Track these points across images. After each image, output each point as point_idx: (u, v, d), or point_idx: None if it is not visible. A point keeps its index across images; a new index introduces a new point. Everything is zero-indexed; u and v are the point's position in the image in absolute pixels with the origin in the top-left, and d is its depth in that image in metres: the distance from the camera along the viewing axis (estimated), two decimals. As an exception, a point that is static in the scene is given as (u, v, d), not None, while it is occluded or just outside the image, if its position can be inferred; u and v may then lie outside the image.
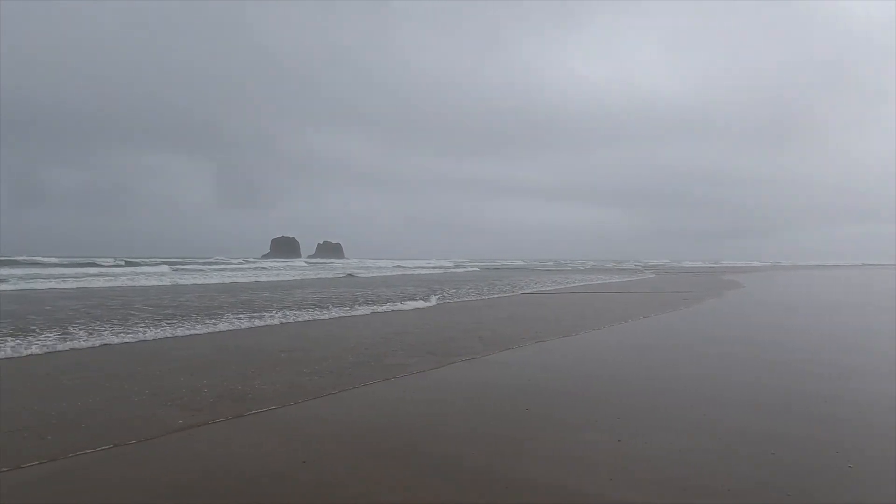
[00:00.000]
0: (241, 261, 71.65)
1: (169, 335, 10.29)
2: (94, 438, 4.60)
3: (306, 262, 70.95)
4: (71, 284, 24.58)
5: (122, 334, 10.05)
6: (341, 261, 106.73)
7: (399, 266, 63.68)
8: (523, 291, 24.53)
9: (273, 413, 5.43)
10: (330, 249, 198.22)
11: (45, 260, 49.32)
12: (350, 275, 39.74)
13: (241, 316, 13.15)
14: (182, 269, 41.37)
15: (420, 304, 17.52)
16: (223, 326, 11.44)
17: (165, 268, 42.76)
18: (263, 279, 32.17)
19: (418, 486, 3.73)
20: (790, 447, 4.52)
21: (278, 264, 62.16)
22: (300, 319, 13.02)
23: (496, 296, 21.81)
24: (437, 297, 20.12)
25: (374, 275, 41.75)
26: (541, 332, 11.22)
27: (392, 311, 15.57)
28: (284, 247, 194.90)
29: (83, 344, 9.13)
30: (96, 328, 10.77)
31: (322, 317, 13.69)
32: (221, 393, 6.15)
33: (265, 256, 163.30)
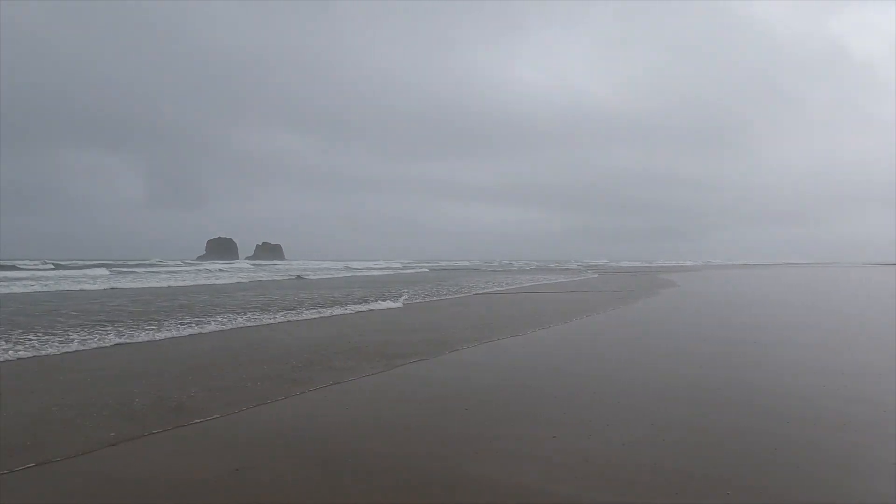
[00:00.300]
0: (178, 263, 68.57)
1: (105, 343, 9.64)
2: (13, 458, 4.27)
3: (252, 264, 68.30)
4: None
5: (52, 344, 9.35)
6: (284, 262, 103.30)
7: (348, 267, 62.94)
8: (475, 292, 24.62)
9: (211, 422, 5.21)
10: (269, 251, 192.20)
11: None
12: (299, 277, 38.79)
13: (185, 321, 12.54)
14: (120, 272, 39.22)
15: (381, 305, 17.32)
16: (164, 333, 10.82)
17: (103, 270, 40.49)
18: (207, 282, 31.00)
19: (353, 490, 3.67)
20: (732, 438, 4.67)
21: (222, 266, 59.82)
22: (251, 324, 12.50)
23: (451, 297, 21.79)
24: (403, 298, 19.90)
25: (324, 277, 40.98)
26: (492, 331, 11.26)
27: (353, 312, 15.28)
28: (221, 248, 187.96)
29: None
30: (20, 337, 9.98)
31: (270, 321, 13.15)
32: (156, 403, 5.86)
33: (200, 258, 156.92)
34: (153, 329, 11.21)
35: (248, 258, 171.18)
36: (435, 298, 20.89)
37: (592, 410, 5.61)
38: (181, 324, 12.04)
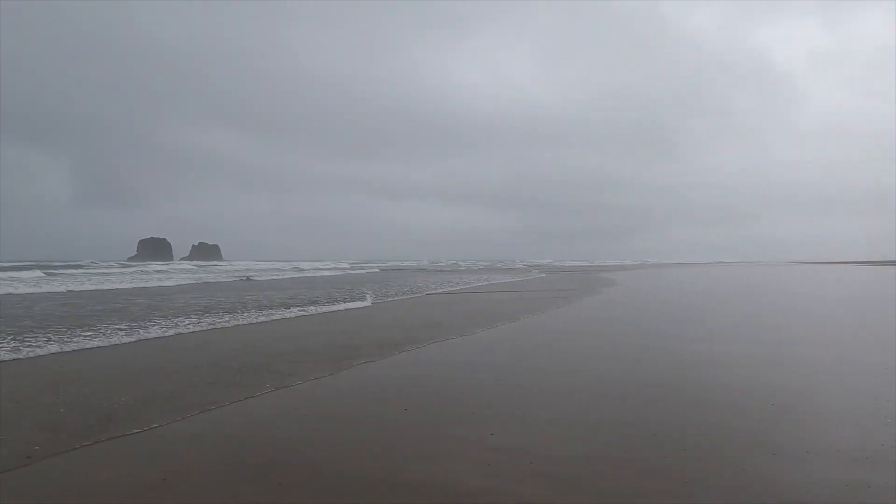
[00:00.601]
0: (112, 263, 65.28)
1: (38, 353, 8.94)
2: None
3: (194, 265, 65.61)
4: None
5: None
6: (226, 263, 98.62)
7: (296, 268, 61.56)
8: (427, 293, 24.62)
9: (145, 433, 4.99)
10: (206, 251, 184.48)
11: None
12: (248, 278, 37.64)
13: (121, 327, 11.87)
14: (55, 275, 37.11)
15: (343, 305, 17.27)
16: (102, 340, 10.12)
17: (37, 272, 38.13)
18: (148, 284, 29.44)
19: (285, 495, 3.60)
20: (665, 429, 4.85)
21: (161, 266, 57.36)
22: (198, 329, 11.95)
23: (403, 297, 21.69)
24: (361, 300, 19.73)
25: (273, 278, 40.04)
26: (443, 331, 11.26)
27: (304, 315, 14.98)
28: (153, 248, 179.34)
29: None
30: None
31: (224, 325, 12.63)
32: (85, 413, 5.59)
33: (132, 259, 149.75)
34: (89, 336, 10.53)
35: (183, 259, 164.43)
36: (391, 299, 20.74)
37: (532, 407, 5.71)
38: (119, 329, 11.41)
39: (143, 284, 28.98)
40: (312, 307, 16.92)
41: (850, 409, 5.60)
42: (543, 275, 48.67)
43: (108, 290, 25.44)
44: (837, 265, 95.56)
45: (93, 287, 26.66)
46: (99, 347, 9.50)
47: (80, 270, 46.76)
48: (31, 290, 23.77)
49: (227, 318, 13.69)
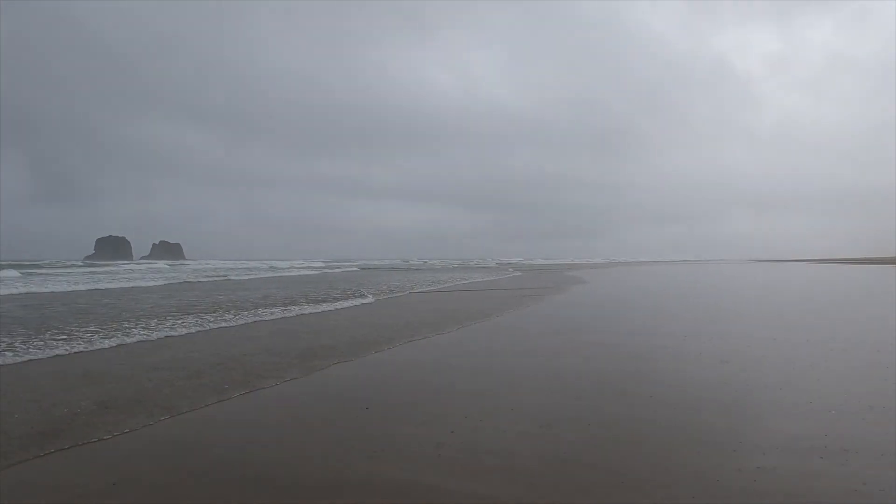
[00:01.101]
0: (75, 262, 63.75)
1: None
2: None
3: (167, 265, 64.39)
4: None
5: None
6: (195, 262, 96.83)
7: (273, 267, 60.65)
8: (412, 291, 24.78)
9: (105, 441, 4.93)
10: (167, 250, 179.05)
11: None
12: (227, 278, 36.69)
13: (93, 331, 11.72)
14: (31, 275, 36.11)
15: (348, 303, 17.72)
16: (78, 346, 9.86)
17: (12, 272, 37.22)
18: (128, 284, 28.61)
19: (235, 497, 3.60)
20: (624, 428, 4.93)
21: (135, 266, 56.32)
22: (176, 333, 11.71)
23: (389, 297, 21.69)
24: (371, 296, 20.20)
25: (252, 277, 39.42)
26: (425, 329, 11.42)
27: (318, 311, 14.97)
28: (112, 247, 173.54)
29: None
30: None
31: (198, 328, 12.37)
32: (40, 420, 5.50)
33: (89, 258, 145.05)
34: (62, 341, 10.29)
35: (143, 258, 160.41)
36: (387, 297, 20.88)
37: (497, 405, 5.76)
38: (93, 336, 11.26)
39: (127, 284, 28.25)
40: (325, 304, 17.38)
41: (799, 401, 5.68)
42: (519, 273, 49.28)
43: (92, 290, 24.82)
44: (794, 263, 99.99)
45: (69, 289, 25.56)
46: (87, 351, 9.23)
47: (47, 271, 45.77)
48: (11, 291, 23.01)
49: (246, 314, 14.19)
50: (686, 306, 17.39)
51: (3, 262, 58.81)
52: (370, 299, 19.74)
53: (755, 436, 4.66)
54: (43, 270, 44.94)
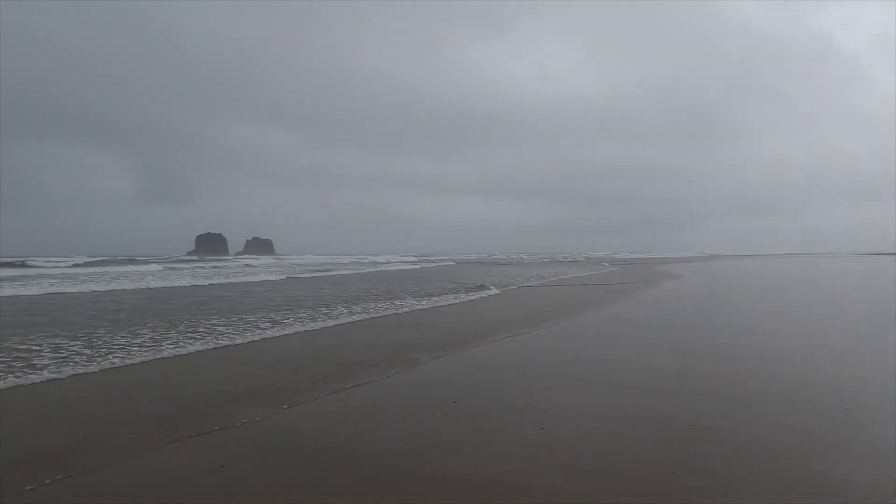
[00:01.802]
0: (179, 258, 67.45)
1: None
2: None
3: (275, 260, 68.58)
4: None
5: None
6: (297, 257, 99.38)
7: (373, 262, 60.94)
8: (522, 285, 24.96)
9: (216, 432, 5.37)
10: (260, 246, 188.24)
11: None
12: (329, 272, 38.20)
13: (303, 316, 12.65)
14: (174, 269, 39.45)
15: (474, 296, 18.84)
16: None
17: (156, 266, 41.36)
18: (270, 278, 30.00)
19: (323, 486, 3.76)
20: (713, 432, 4.69)
21: (252, 262, 59.18)
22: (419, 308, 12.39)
23: (508, 289, 22.31)
24: (494, 288, 21.29)
25: (356, 272, 40.33)
26: (535, 321, 11.52)
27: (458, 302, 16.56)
28: (210, 244, 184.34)
29: None
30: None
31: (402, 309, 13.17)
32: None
33: (190, 253, 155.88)
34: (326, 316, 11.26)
35: (238, 254, 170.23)
36: (508, 289, 21.91)
37: (584, 402, 5.67)
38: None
39: (251, 279, 29.34)
40: (463, 294, 18.85)
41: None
42: (616, 268, 47.59)
43: (244, 283, 26.65)
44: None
45: (226, 281, 27.32)
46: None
47: (169, 265, 48.89)
48: (188, 284, 25.13)
49: (398, 304, 15.41)
50: (792, 303, 16.30)
51: (122, 258, 63.92)
52: (494, 291, 20.58)
53: (866, 442, 4.34)
54: (163, 265, 47.50)
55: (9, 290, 19.84)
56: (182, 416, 5.37)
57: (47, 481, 3.88)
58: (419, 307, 15.17)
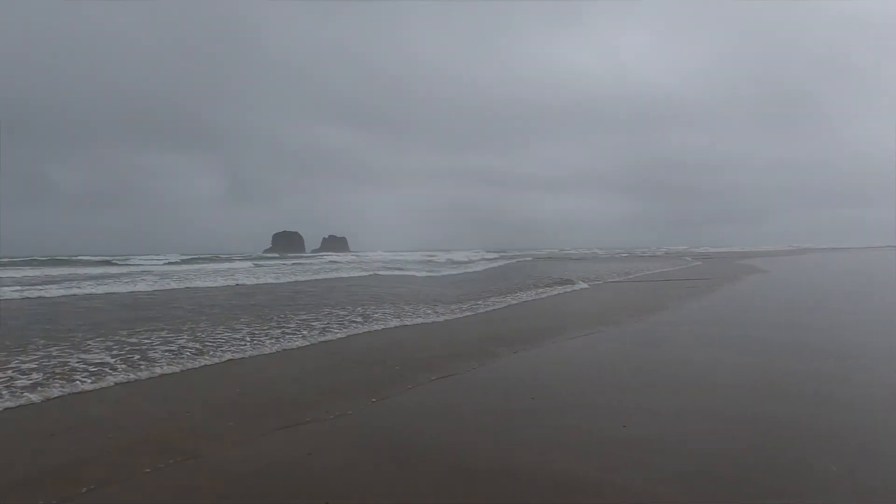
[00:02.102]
0: (249, 255, 68.13)
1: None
2: None
3: (354, 256, 69.02)
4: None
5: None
6: (375, 253, 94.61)
7: (450, 260, 59.64)
8: (605, 281, 24.52)
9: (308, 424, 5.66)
10: (335, 243, 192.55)
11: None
12: (408, 273, 37.07)
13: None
14: (260, 265, 40.60)
15: (567, 288, 19.44)
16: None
17: (247, 263, 43.34)
18: (345, 274, 30.23)
19: (402, 482, 3.87)
20: (795, 433, 4.53)
21: (337, 258, 60.09)
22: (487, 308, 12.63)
23: (595, 283, 22.37)
24: (582, 283, 21.72)
25: (445, 272, 39.53)
26: (608, 318, 11.44)
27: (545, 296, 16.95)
28: (286, 241, 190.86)
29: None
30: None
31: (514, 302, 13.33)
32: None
33: (267, 251, 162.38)
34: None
35: (314, 251, 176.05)
36: (594, 283, 21.86)
37: (670, 401, 5.52)
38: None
39: (346, 275, 29.53)
40: (548, 289, 19.26)
41: None
42: (700, 263, 45.12)
43: (336, 278, 27.24)
44: None
45: (318, 277, 27.58)
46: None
47: (277, 262, 50.48)
48: (291, 280, 25.57)
49: (510, 298, 16.00)
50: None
51: (205, 256, 65.79)
52: (582, 286, 20.88)
53: None
54: (267, 263, 49.04)
55: (124, 287, 21.55)
56: (278, 408, 5.73)
57: (171, 461, 4.30)
58: (507, 303, 15.38)
